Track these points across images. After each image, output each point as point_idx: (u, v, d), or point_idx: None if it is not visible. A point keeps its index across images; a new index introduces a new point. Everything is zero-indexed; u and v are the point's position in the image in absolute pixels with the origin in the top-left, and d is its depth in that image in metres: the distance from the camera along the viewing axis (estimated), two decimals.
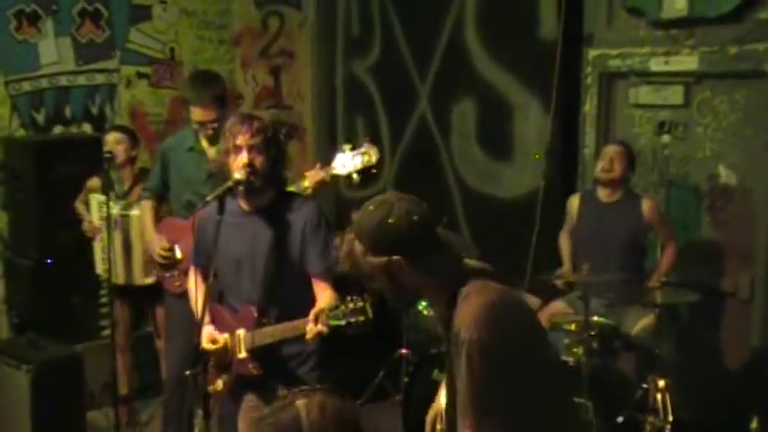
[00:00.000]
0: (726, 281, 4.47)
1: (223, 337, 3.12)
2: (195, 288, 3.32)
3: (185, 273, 3.96)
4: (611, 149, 4.34)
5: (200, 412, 3.16)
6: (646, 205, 4.30)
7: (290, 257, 3.10)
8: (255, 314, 3.11)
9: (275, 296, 3.13)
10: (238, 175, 2.97)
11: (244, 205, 3.10)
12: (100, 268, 4.62)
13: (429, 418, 2.77)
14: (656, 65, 4.54)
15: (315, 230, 3.09)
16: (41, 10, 5.26)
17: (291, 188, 3.37)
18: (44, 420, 4.04)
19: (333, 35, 6.50)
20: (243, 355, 3.09)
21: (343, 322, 2.84)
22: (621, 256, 4.25)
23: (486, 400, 2.09)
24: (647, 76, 4.63)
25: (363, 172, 3.44)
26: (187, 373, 2.92)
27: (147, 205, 4.22)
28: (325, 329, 2.87)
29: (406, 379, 4.53)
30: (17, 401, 4.06)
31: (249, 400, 3.22)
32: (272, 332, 3.07)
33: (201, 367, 2.91)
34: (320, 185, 3.56)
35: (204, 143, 4.02)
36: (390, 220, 2.18)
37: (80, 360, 4.28)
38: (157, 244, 4.07)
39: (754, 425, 3.70)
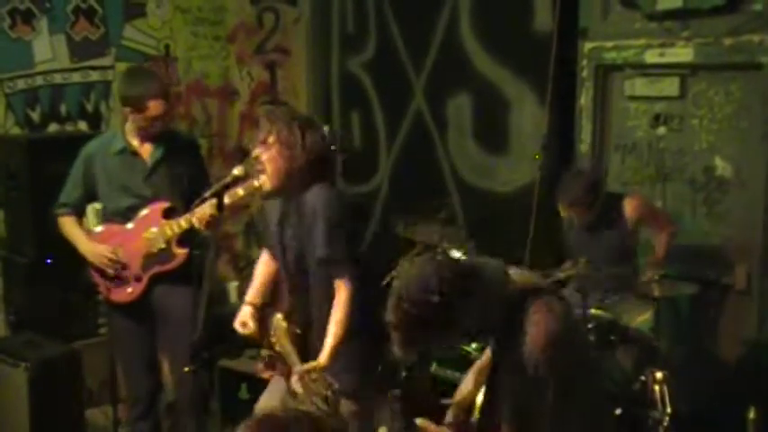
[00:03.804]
0: (723, 273, 4.48)
1: (253, 326, 3.09)
2: (262, 263, 3.32)
3: (136, 279, 3.86)
4: (565, 212, 4.21)
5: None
6: (629, 205, 4.24)
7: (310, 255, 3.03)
8: (288, 316, 3.08)
9: (300, 299, 3.07)
10: (236, 170, 2.96)
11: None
12: None
13: (455, 405, 2.78)
14: (651, 57, 4.54)
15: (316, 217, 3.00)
16: (35, 8, 5.24)
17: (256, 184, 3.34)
18: (42, 419, 4.04)
19: (328, 31, 6.49)
20: (278, 349, 3.08)
21: (313, 398, 2.71)
22: (610, 260, 4.23)
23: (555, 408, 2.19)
24: (642, 69, 4.64)
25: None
26: (186, 369, 2.92)
27: (69, 221, 3.96)
28: (300, 393, 2.76)
29: (404, 373, 4.53)
30: (15, 400, 4.05)
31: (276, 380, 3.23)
32: (283, 349, 3.02)
33: (199, 364, 2.91)
34: None
35: (136, 142, 3.86)
36: (447, 276, 2.17)
37: (78, 358, 4.27)
38: (101, 252, 3.85)
39: (751, 415, 3.71)
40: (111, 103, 5.63)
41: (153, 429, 4.12)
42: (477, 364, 2.85)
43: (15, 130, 5.24)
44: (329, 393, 2.65)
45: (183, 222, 3.71)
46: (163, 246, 3.78)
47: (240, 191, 3.21)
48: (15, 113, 5.25)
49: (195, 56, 6.02)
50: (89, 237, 3.95)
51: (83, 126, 5.52)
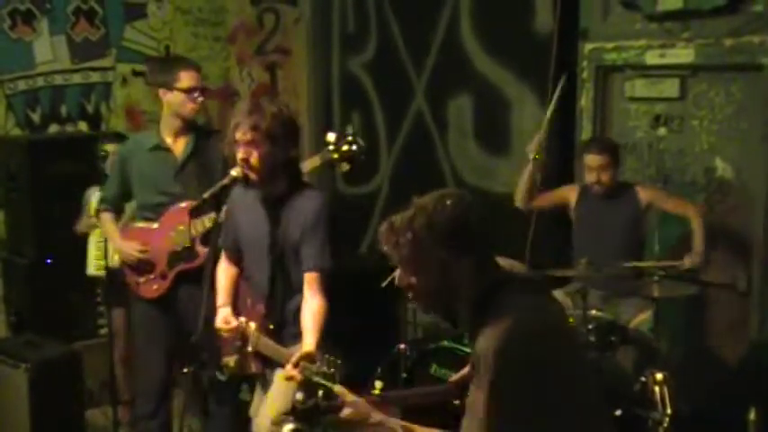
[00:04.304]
0: (723, 274, 4.47)
1: (237, 321, 3.14)
2: (222, 269, 3.36)
3: (162, 276, 3.92)
4: (594, 161, 4.25)
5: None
6: (640, 189, 4.32)
7: (291, 254, 3.08)
8: (263, 313, 3.13)
9: (279, 296, 3.12)
10: (234, 172, 2.97)
11: (258, 193, 3.11)
12: (93, 266, 4.58)
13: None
14: (651, 58, 4.54)
15: (313, 226, 3.04)
16: (36, 9, 5.25)
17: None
18: (43, 419, 4.04)
19: (328, 31, 6.49)
20: (249, 349, 3.12)
21: (315, 378, 2.64)
22: (620, 247, 4.24)
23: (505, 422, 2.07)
24: (642, 70, 4.63)
25: (350, 161, 3.42)
26: (185, 370, 2.92)
27: (107, 217, 4.07)
28: (298, 378, 2.71)
29: (404, 375, 4.53)
30: (15, 401, 4.06)
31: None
32: (266, 347, 3.09)
33: (197, 365, 2.91)
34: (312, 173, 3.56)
35: (169, 139, 3.93)
36: (473, 218, 2.15)
37: (78, 358, 4.28)
38: (130, 247, 3.94)
39: (751, 416, 3.71)
40: (111, 104, 5.63)
41: (162, 428, 4.11)
42: None
43: (16, 131, 5.25)
44: (329, 370, 2.62)
45: (206, 221, 3.73)
46: (188, 244, 3.82)
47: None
48: (16, 114, 5.25)
49: (195, 57, 5.98)
50: (122, 232, 4.04)
51: (83, 127, 5.53)
